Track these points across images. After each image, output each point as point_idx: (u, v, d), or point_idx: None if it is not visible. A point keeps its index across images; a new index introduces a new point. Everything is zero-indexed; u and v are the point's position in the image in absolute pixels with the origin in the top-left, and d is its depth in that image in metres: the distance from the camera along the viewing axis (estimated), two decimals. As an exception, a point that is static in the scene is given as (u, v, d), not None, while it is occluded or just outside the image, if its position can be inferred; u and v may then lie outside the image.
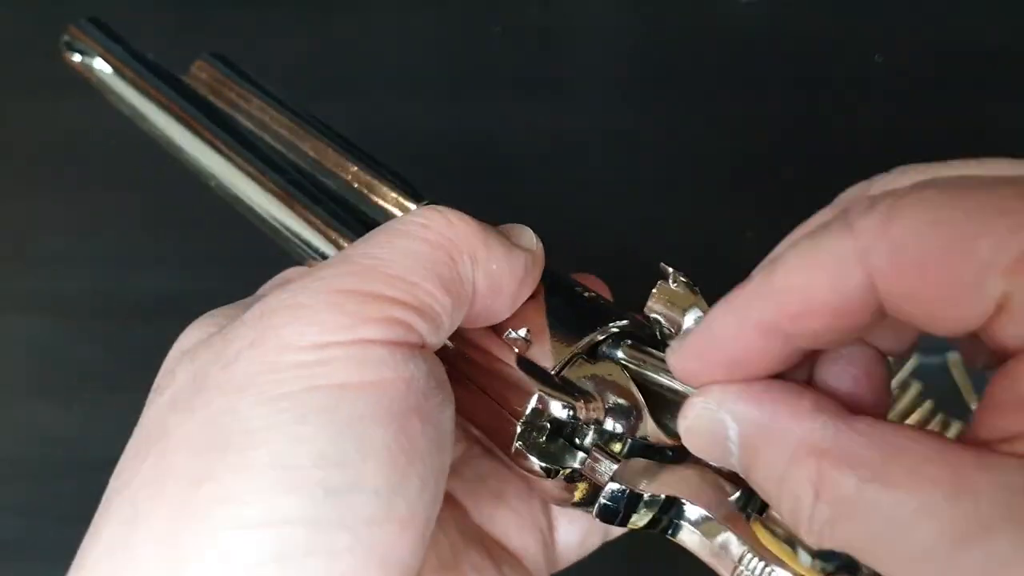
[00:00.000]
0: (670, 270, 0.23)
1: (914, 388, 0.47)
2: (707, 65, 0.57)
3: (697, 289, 0.23)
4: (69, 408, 0.46)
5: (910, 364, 0.47)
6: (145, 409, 0.21)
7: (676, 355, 0.20)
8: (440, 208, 0.22)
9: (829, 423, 0.17)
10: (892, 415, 0.46)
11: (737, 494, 0.22)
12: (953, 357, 0.47)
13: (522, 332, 0.24)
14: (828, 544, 0.17)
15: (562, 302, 0.25)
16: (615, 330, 0.24)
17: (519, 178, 0.53)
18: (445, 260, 0.21)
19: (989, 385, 0.18)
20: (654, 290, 0.24)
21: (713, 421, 0.19)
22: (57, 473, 0.43)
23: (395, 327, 0.20)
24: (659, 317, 0.23)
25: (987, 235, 0.16)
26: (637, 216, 0.51)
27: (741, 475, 0.20)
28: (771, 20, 0.58)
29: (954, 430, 0.46)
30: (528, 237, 0.25)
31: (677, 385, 0.22)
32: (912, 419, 0.46)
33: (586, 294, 0.25)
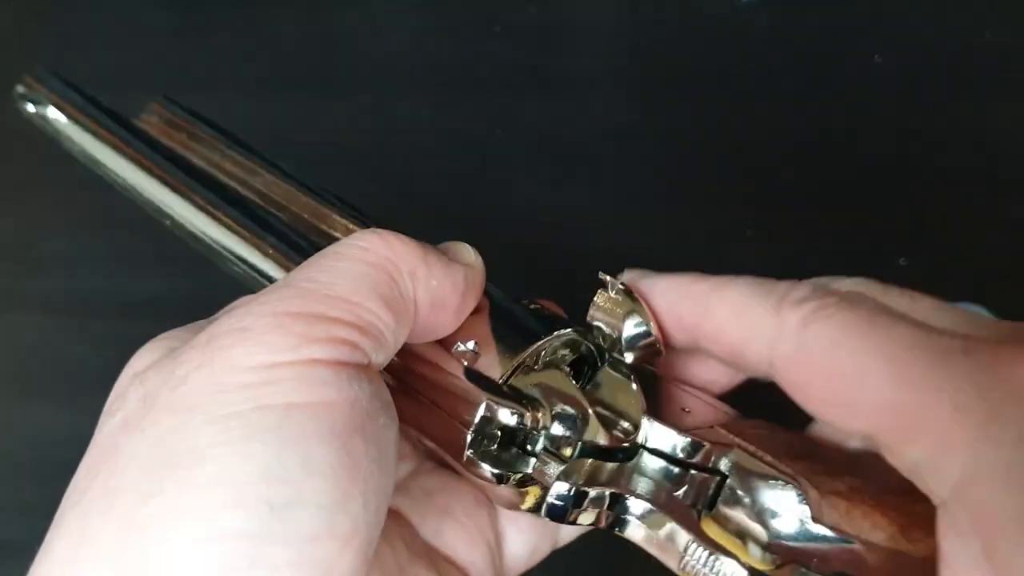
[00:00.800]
0: (608, 279, 0.24)
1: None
2: (707, 65, 0.57)
3: (636, 295, 0.24)
4: (69, 408, 0.46)
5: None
6: (97, 430, 0.21)
7: (650, 282, 0.25)
8: (378, 231, 0.23)
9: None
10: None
11: (683, 489, 0.23)
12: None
13: (470, 345, 0.24)
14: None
15: (507, 314, 0.25)
16: (560, 338, 0.25)
17: (518, 178, 0.53)
18: (385, 280, 0.22)
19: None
20: (594, 299, 0.25)
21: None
22: (57, 473, 0.43)
23: (340, 347, 0.20)
24: (600, 324, 0.25)
25: (872, 376, 0.19)
26: (637, 216, 0.51)
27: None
28: (771, 20, 0.58)
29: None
30: (466, 252, 0.25)
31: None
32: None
33: (531, 306, 0.26)
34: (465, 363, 0.24)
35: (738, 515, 0.22)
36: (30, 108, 0.33)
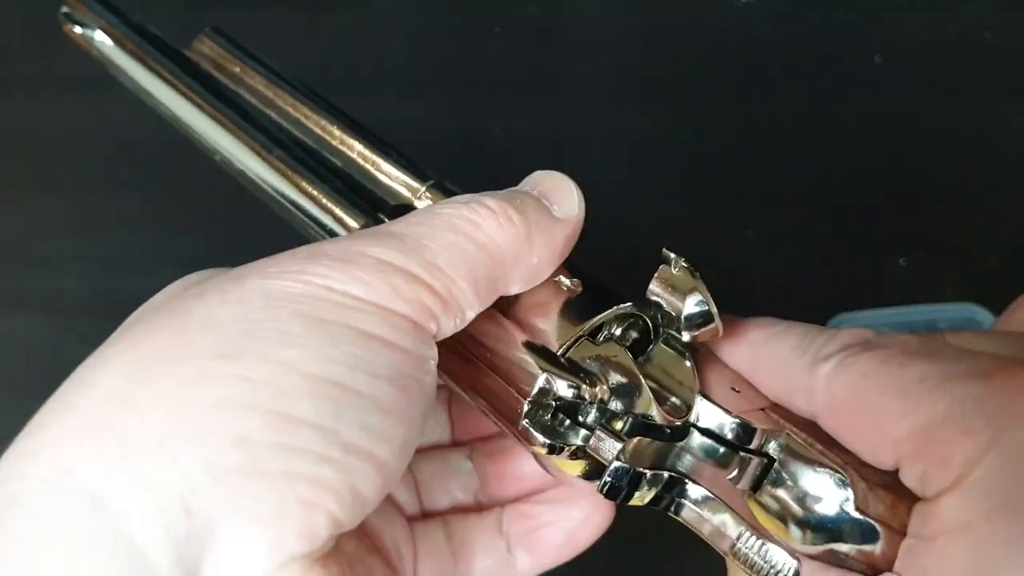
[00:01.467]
0: (672, 255, 0.24)
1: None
2: (707, 65, 0.57)
3: (698, 274, 0.24)
4: (69, 408, 0.46)
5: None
6: (155, 300, 0.23)
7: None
8: (493, 205, 0.23)
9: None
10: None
11: (735, 473, 0.23)
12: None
13: (574, 281, 0.25)
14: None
15: (569, 283, 0.26)
16: (619, 312, 0.25)
17: (518, 178, 0.52)
18: (486, 264, 0.23)
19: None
20: (656, 274, 0.25)
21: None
22: (57, 473, 0.43)
23: (421, 311, 0.21)
24: (660, 300, 0.25)
25: (888, 413, 0.21)
26: (637, 215, 0.51)
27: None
28: (771, 20, 0.58)
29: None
30: (570, 199, 0.26)
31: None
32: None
33: (589, 278, 0.26)
34: (566, 295, 0.25)
35: (783, 498, 0.22)
36: (76, 30, 0.31)
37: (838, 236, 0.51)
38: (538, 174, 0.27)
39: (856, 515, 0.21)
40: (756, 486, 0.23)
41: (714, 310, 0.24)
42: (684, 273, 0.24)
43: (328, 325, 0.20)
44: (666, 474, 0.24)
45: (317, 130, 0.30)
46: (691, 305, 0.24)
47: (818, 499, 0.22)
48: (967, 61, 0.56)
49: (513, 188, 0.26)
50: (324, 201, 0.28)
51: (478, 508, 0.30)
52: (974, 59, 0.56)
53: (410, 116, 0.56)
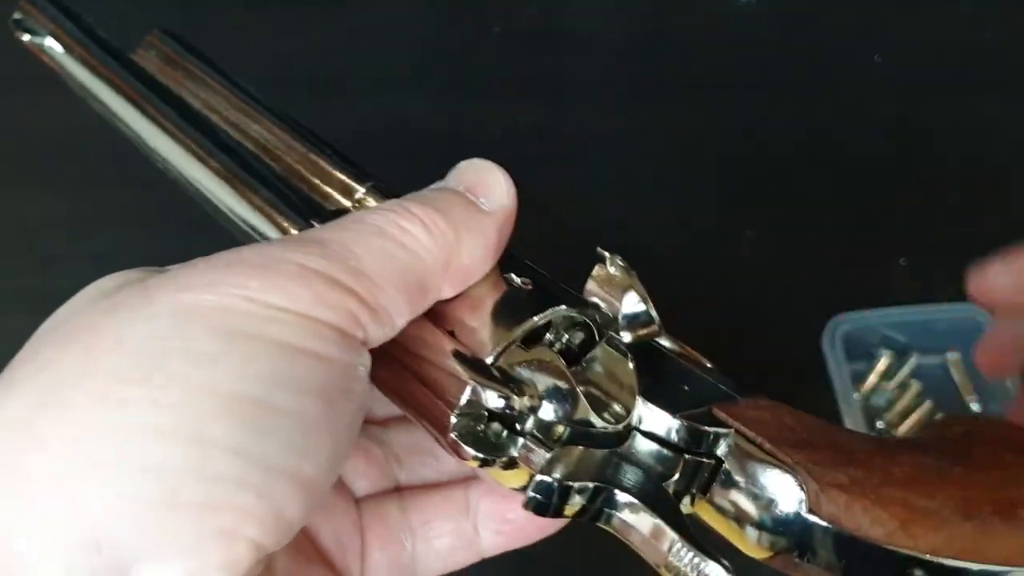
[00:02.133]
0: (607, 254, 0.24)
1: (914, 388, 0.47)
2: (707, 65, 0.57)
3: (634, 272, 0.24)
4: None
5: (910, 364, 0.47)
6: (67, 307, 0.21)
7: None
8: (415, 207, 0.22)
9: None
10: (891, 415, 0.46)
11: (676, 477, 0.22)
12: (953, 357, 0.47)
13: (523, 280, 0.24)
14: None
15: (503, 288, 0.24)
16: (556, 315, 0.24)
17: (518, 178, 0.52)
18: (416, 271, 0.22)
19: None
20: (592, 273, 0.24)
21: None
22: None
23: (346, 319, 0.20)
24: (598, 300, 0.24)
25: None
26: (637, 216, 0.51)
27: None
28: (770, 20, 0.58)
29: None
30: (499, 191, 0.24)
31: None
32: (912, 419, 0.46)
33: (523, 279, 0.25)
34: (505, 295, 0.24)
35: (735, 500, 0.22)
36: (26, 38, 0.31)
37: (838, 236, 0.51)
38: (462, 165, 0.25)
39: (809, 516, 0.21)
40: (706, 489, 0.22)
41: (652, 310, 0.23)
42: (620, 272, 0.24)
43: (246, 339, 0.19)
44: (593, 484, 0.22)
45: (262, 132, 0.29)
46: (629, 304, 0.23)
47: (772, 502, 0.21)
48: (967, 61, 0.56)
49: (438, 184, 0.25)
50: (262, 206, 0.27)
51: (442, 485, 0.28)
52: (974, 59, 0.56)
53: (410, 116, 0.56)
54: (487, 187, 0.24)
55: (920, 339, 0.47)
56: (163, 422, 0.18)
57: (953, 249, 0.50)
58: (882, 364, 0.47)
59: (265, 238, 0.27)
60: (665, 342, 0.25)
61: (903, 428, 0.46)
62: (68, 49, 0.31)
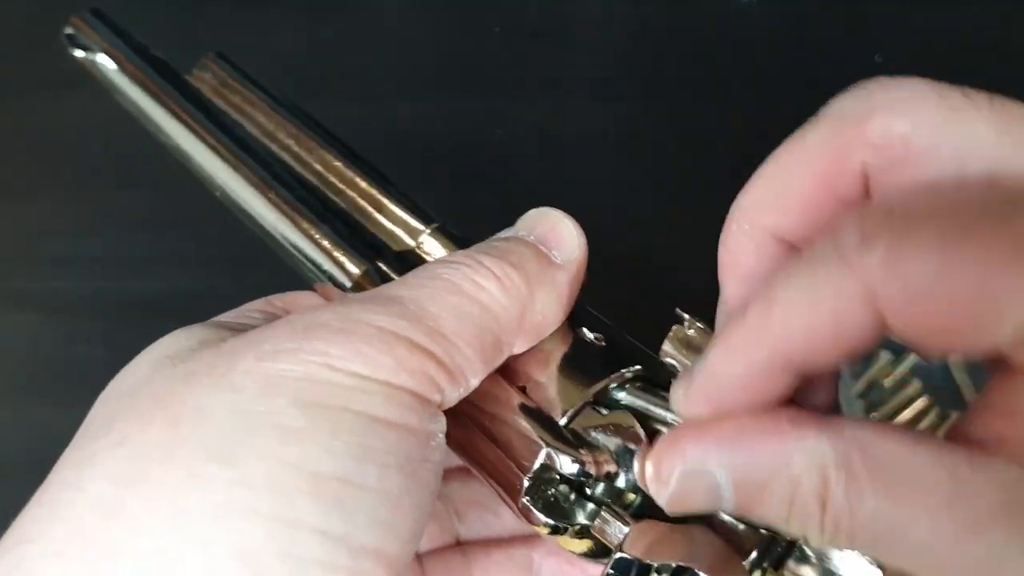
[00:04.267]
0: (685, 316, 0.23)
1: (913, 386, 0.47)
2: (707, 65, 0.57)
3: (711, 333, 0.23)
4: (69, 408, 0.46)
5: (909, 361, 0.47)
6: (143, 373, 0.20)
7: (683, 402, 0.19)
8: (490, 262, 0.22)
9: (823, 440, 0.17)
10: (890, 408, 0.46)
11: (753, 555, 0.21)
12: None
13: (596, 335, 0.23)
14: (839, 546, 0.18)
15: (576, 344, 0.24)
16: (629, 375, 0.23)
17: (518, 178, 0.53)
18: (491, 328, 0.21)
19: (988, 388, 0.18)
20: (669, 333, 0.23)
21: (701, 477, 0.18)
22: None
23: (426, 384, 0.20)
24: (673, 361, 0.23)
25: (1004, 281, 0.15)
26: (637, 216, 0.51)
27: (734, 515, 0.20)
28: (770, 20, 0.58)
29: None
30: (572, 243, 0.24)
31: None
32: (906, 416, 0.46)
33: (598, 330, 0.24)
34: (576, 351, 0.23)
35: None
36: (78, 54, 0.30)
37: (838, 236, 0.51)
38: (533, 214, 0.24)
39: None
40: (778, 565, 0.21)
41: None
42: (698, 333, 0.23)
43: (330, 412, 0.19)
44: (674, 563, 0.21)
45: (319, 165, 0.29)
46: None
47: None
48: (967, 61, 0.56)
49: (509, 234, 0.24)
50: (324, 244, 0.26)
51: (504, 541, 0.28)
52: (974, 59, 0.56)
53: (410, 116, 0.56)
54: (559, 238, 0.24)
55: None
56: (251, 502, 0.18)
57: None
58: (881, 362, 0.47)
59: (328, 275, 0.26)
60: None
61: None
62: (121, 66, 0.30)
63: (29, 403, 0.47)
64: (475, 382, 0.22)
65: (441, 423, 0.21)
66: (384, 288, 0.22)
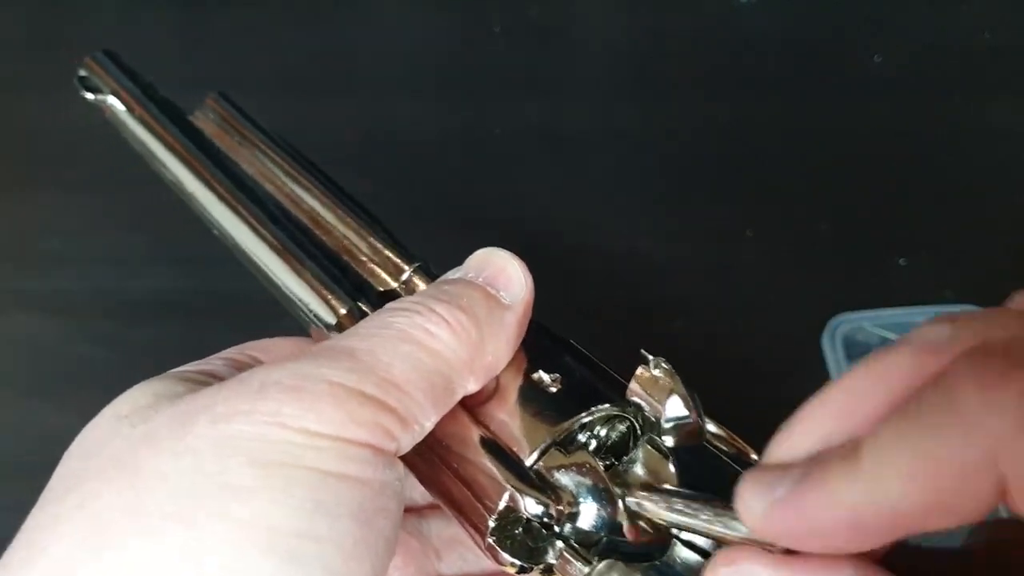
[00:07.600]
0: (650, 357, 0.23)
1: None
2: (706, 65, 0.57)
3: (677, 376, 0.23)
4: (69, 408, 0.46)
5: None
6: (103, 433, 0.21)
7: (761, 519, 0.17)
8: (440, 308, 0.22)
9: None
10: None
11: None
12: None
13: (552, 377, 0.24)
14: None
15: (540, 379, 0.24)
16: (595, 414, 0.23)
17: (518, 178, 0.53)
18: (442, 373, 0.22)
19: None
20: (635, 374, 0.23)
21: None
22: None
23: (379, 434, 0.21)
24: (640, 401, 0.23)
25: None
26: (636, 216, 0.51)
27: None
28: (770, 20, 0.58)
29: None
30: (519, 284, 0.24)
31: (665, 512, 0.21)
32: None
33: (576, 362, 0.25)
34: (551, 389, 0.23)
35: None
36: (90, 96, 0.32)
37: (838, 236, 0.51)
38: (480, 255, 0.25)
39: None
40: None
41: (696, 414, 0.23)
42: (664, 375, 0.23)
43: (283, 469, 0.19)
44: None
45: (314, 204, 0.30)
46: (673, 409, 0.23)
47: None
48: (967, 61, 0.56)
49: (456, 273, 0.25)
50: (314, 283, 0.27)
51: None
52: (974, 59, 0.56)
53: (410, 116, 0.56)
54: (508, 280, 0.24)
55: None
56: (207, 559, 0.18)
57: (953, 249, 0.50)
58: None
59: (314, 314, 0.27)
60: (711, 426, 0.24)
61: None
62: (129, 108, 0.31)
63: (29, 403, 0.47)
64: (429, 425, 0.22)
65: (398, 469, 0.21)
66: (339, 339, 0.23)
